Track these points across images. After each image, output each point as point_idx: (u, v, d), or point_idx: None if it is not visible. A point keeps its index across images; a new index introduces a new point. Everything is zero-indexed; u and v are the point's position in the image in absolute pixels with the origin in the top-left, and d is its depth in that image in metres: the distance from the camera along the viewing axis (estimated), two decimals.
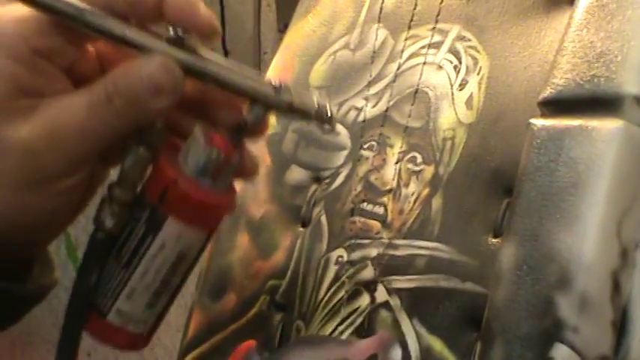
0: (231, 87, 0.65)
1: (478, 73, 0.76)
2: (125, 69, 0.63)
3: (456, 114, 0.77)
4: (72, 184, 0.63)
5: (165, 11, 0.64)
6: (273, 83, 0.66)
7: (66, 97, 0.63)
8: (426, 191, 0.76)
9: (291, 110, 0.68)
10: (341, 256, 0.80)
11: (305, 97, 0.69)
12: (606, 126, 0.61)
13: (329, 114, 0.68)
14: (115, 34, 0.63)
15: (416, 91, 0.81)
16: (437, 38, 0.81)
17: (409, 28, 0.85)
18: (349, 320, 0.77)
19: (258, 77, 0.67)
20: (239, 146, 0.66)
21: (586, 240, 0.60)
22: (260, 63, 1.96)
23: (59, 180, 0.62)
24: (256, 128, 0.68)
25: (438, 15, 0.83)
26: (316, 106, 0.68)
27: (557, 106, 0.66)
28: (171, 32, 0.63)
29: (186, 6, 0.64)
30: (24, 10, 0.62)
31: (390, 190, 0.79)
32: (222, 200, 0.65)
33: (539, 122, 0.65)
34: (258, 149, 0.93)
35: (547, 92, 0.66)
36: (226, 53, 2.18)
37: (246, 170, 0.69)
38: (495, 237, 0.70)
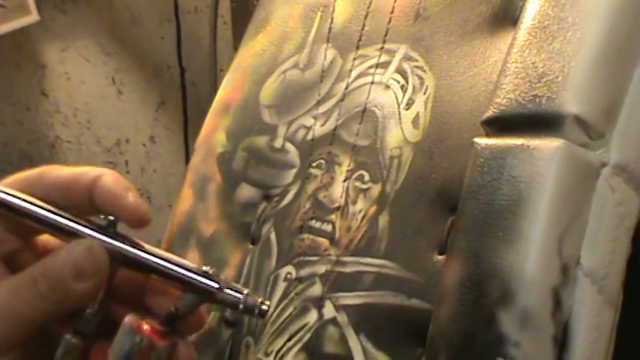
0: (160, 274, 0.66)
1: (424, 93, 0.77)
2: (53, 254, 0.63)
3: (403, 133, 0.77)
4: None
5: (94, 200, 0.64)
6: (205, 269, 0.67)
7: None
8: (373, 209, 0.77)
9: (221, 302, 0.68)
10: (290, 273, 0.81)
11: (236, 285, 0.69)
12: (547, 145, 0.62)
13: (257, 310, 0.69)
14: (46, 221, 0.64)
15: (364, 110, 0.81)
16: (384, 58, 0.82)
17: (357, 48, 0.86)
18: (297, 336, 0.77)
19: (191, 266, 0.67)
20: (171, 335, 0.65)
21: (527, 257, 0.61)
22: (216, 80, 1.96)
23: None
24: (191, 319, 0.68)
25: (385, 35, 0.83)
26: (245, 299, 0.68)
27: (500, 125, 0.66)
28: (102, 220, 0.64)
29: (115, 196, 0.64)
30: None
31: (338, 208, 0.80)
32: None
33: (482, 141, 0.66)
34: (209, 167, 0.93)
35: (490, 112, 0.67)
36: (182, 71, 2.17)
37: None
38: (441, 254, 0.71)
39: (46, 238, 0.68)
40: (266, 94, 0.92)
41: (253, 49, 0.98)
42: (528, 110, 0.65)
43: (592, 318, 0.62)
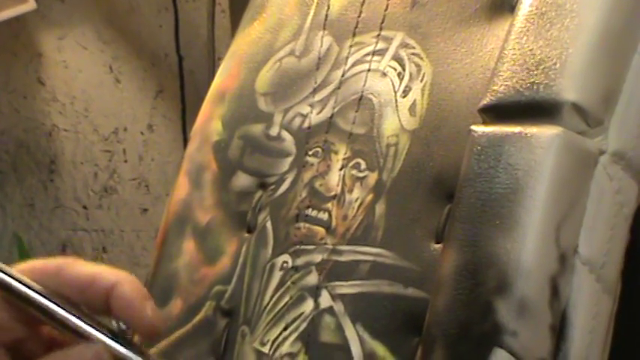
0: None
1: (421, 80, 0.77)
2: (61, 354, 0.61)
3: (400, 120, 0.77)
4: None
5: (112, 305, 0.63)
6: None
7: None
8: (369, 197, 0.76)
9: None
10: (286, 262, 0.80)
11: None
12: (545, 132, 0.62)
13: None
14: (57, 318, 0.62)
15: (360, 98, 0.81)
16: (381, 45, 0.82)
17: (354, 35, 0.85)
18: (294, 325, 0.77)
19: None
20: None
21: (525, 245, 0.60)
22: (214, 68, 1.96)
23: None
24: None
25: (382, 22, 0.83)
26: None
27: (497, 112, 0.66)
28: (115, 325, 0.63)
29: (133, 304, 0.63)
30: None
31: (334, 197, 0.79)
32: None
33: (479, 129, 0.66)
34: (204, 156, 0.93)
35: (487, 99, 0.66)
36: (180, 59, 2.17)
37: None
38: (437, 243, 0.70)
39: (52, 329, 0.67)
40: (262, 82, 0.92)
41: (249, 36, 0.97)
42: (526, 97, 0.64)
43: (590, 307, 0.62)
